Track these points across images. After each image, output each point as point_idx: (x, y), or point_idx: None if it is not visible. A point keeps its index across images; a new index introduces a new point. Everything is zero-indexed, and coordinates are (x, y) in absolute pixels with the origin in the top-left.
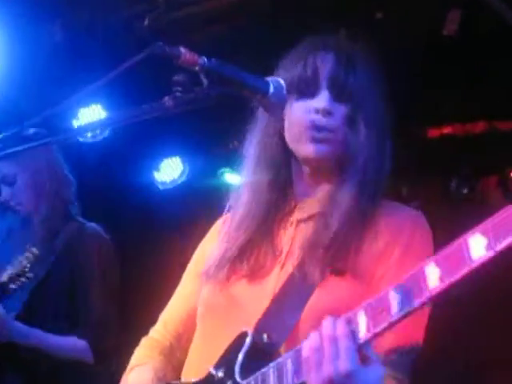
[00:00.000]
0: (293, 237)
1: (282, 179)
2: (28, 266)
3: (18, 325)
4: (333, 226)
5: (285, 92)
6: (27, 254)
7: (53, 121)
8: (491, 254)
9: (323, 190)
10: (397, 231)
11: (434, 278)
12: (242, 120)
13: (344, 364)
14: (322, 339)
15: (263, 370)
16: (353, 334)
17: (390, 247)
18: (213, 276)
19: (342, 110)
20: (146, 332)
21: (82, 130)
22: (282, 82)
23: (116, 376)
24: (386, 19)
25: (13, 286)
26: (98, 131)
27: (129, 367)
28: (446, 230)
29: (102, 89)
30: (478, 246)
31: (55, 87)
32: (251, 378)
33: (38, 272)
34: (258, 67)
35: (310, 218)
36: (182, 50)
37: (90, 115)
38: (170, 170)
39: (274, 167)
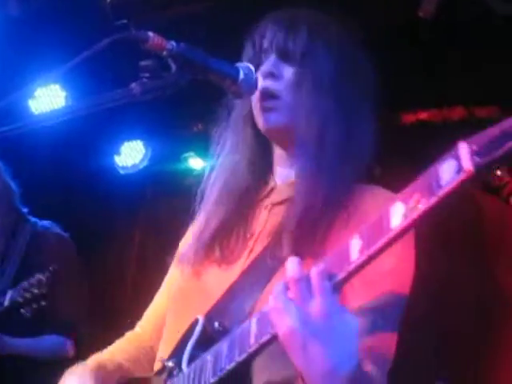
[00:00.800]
0: (266, 220)
1: (262, 164)
2: None
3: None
4: (295, 211)
5: (255, 78)
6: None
7: (9, 108)
8: (407, 222)
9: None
10: (367, 216)
11: (355, 250)
12: (207, 102)
13: (317, 304)
14: (288, 282)
15: (202, 356)
16: (323, 270)
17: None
18: (185, 261)
19: (288, 71)
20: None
21: (43, 118)
22: (251, 67)
23: None
24: None
25: None
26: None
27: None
28: None
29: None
30: (396, 215)
31: (10, 64)
32: (192, 365)
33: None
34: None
35: (283, 201)
36: (150, 34)
37: (48, 95)
38: (131, 154)
39: (251, 152)
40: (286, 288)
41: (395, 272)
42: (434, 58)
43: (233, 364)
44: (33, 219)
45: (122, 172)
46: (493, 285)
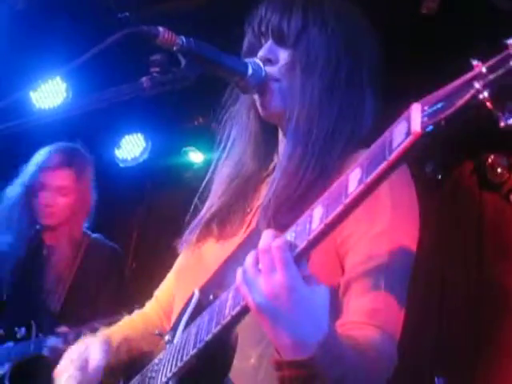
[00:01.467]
0: (265, 195)
1: (267, 147)
2: None
3: None
4: (276, 187)
5: (263, 74)
6: None
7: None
8: (362, 187)
9: None
10: None
11: (316, 218)
12: (208, 96)
13: (282, 274)
14: (257, 254)
15: (189, 328)
16: (285, 243)
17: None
18: (188, 239)
19: (284, 54)
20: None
21: (50, 114)
22: (260, 63)
23: None
24: None
25: None
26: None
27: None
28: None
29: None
30: (353, 181)
31: (15, 58)
32: (179, 338)
33: None
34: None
35: None
36: (161, 29)
37: (50, 88)
38: (131, 147)
39: (255, 140)
40: (256, 260)
41: (395, 226)
42: (432, 52)
43: (210, 336)
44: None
45: (121, 165)
46: (491, 284)
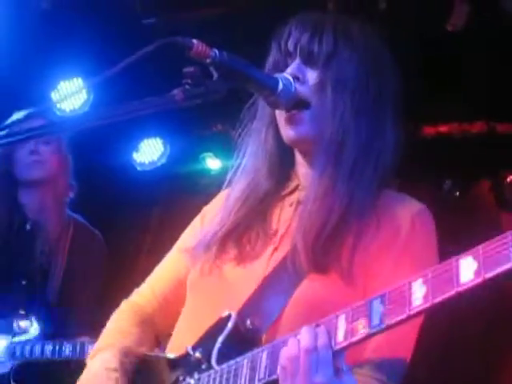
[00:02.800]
0: (291, 218)
1: (284, 165)
2: None
3: None
4: (316, 215)
5: (293, 89)
6: None
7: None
8: (479, 280)
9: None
10: (397, 227)
11: (418, 295)
12: (227, 103)
13: (319, 377)
14: (299, 349)
15: (238, 359)
16: (330, 343)
17: (387, 245)
18: (203, 254)
19: (313, 75)
20: None
21: (80, 121)
22: (290, 78)
23: None
24: (389, 10)
25: None
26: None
27: (94, 350)
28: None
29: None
30: (467, 270)
31: (40, 56)
32: (225, 365)
33: None
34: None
35: (306, 201)
36: (195, 41)
37: (70, 88)
38: (149, 151)
39: (272, 157)
40: (298, 353)
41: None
42: (457, 71)
43: (273, 377)
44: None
45: (139, 169)
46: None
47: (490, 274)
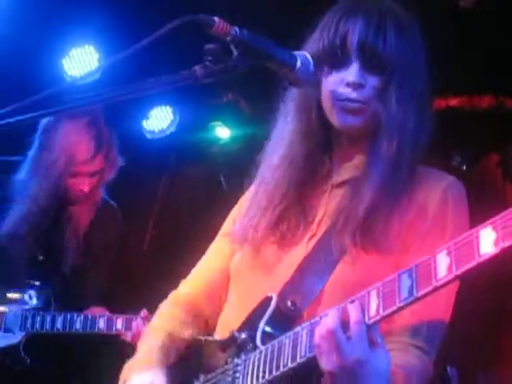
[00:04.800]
0: (327, 203)
1: (321, 148)
2: None
3: None
4: (365, 198)
5: (312, 67)
6: None
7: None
8: (497, 250)
9: (359, 158)
10: (427, 201)
11: (443, 267)
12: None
13: (354, 352)
14: (327, 328)
15: (280, 339)
16: (363, 319)
17: (419, 218)
18: (245, 242)
19: (373, 81)
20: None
21: (105, 97)
22: (309, 56)
23: None
24: None
25: None
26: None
27: (145, 332)
28: None
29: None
30: (487, 240)
31: (51, 23)
32: (269, 345)
33: None
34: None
35: (344, 183)
36: (216, 19)
37: (82, 56)
38: (159, 119)
39: (311, 138)
40: (332, 330)
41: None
42: (467, 45)
43: (313, 353)
44: None
45: (148, 136)
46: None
47: (506, 244)
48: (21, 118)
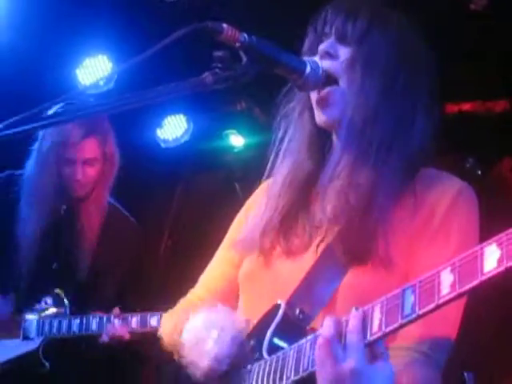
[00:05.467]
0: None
1: (321, 152)
2: None
3: None
4: (352, 199)
5: (321, 72)
6: None
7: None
8: (501, 268)
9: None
10: (436, 205)
11: (446, 284)
12: (251, 81)
13: (348, 363)
14: (329, 334)
15: (285, 350)
16: (364, 331)
17: (426, 223)
18: (253, 249)
19: (345, 51)
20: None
21: (113, 105)
22: (319, 62)
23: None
24: None
25: None
26: (102, 82)
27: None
28: None
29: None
30: (491, 258)
31: (65, 33)
32: (274, 356)
33: None
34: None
35: (347, 186)
36: (225, 25)
37: (95, 66)
38: (173, 128)
39: (313, 143)
40: (330, 339)
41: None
42: (480, 49)
43: (315, 367)
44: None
45: (162, 145)
46: None
47: (510, 264)
48: (33, 125)
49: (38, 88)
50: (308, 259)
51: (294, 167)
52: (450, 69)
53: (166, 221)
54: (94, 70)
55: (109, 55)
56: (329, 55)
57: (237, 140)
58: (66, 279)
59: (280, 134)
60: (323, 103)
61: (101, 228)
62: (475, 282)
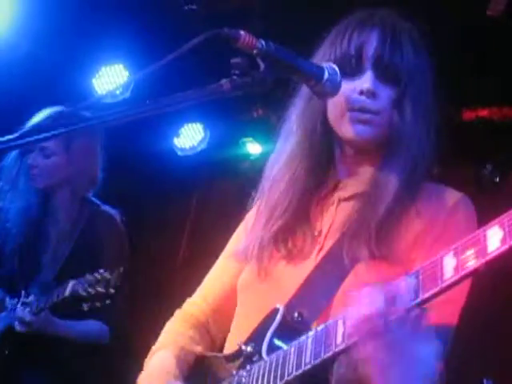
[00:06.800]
0: (333, 216)
1: (324, 161)
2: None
3: (51, 316)
4: (378, 212)
5: (339, 79)
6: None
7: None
8: (506, 247)
9: (367, 171)
10: (435, 215)
11: (449, 268)
12: (269, 87)
13: (398, 334)
14: (373, 314)
15: (285, 348)
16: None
17: (426, 231)
18: (253, 257)
19: (387, 92)
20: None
21: (129, 113)
22: (336, 68)
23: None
24: None
25: None
26: (119, 91)
27: (152, 349)
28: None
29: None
30: (494, 239)
31: (82, 42)
32: (274, 355)
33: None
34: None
35: (352, 197)
36: (242, 32)
37: (112, 74)
38: (190, 136)
39: (315, 151)
40: (372, 318)
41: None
42: (497, 56)
43: (318, 360)
44: (96, 202)
45: (179, 154)
46: None
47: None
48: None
49: (54, 97)
50: (308, 265)
51: (293, 179)
52: (467, 76)
53: (184, 229)
54: (111, 78)
55: (125, 64)
56: (372, 95)
57: (253, 148)
58: (31, 278)
59: (280, 144)
60: (362, 120)
61: (79, 229)
62: (478, 263)
